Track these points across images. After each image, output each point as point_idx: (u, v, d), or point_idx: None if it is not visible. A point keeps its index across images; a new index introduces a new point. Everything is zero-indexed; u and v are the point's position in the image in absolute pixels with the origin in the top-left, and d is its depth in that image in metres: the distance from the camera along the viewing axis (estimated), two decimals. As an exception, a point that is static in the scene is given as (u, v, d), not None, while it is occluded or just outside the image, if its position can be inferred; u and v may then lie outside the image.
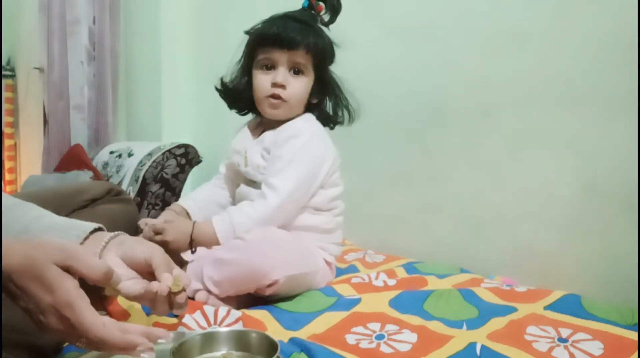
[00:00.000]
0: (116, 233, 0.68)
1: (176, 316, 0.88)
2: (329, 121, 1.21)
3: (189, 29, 2.39)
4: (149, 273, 0.65)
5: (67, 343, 0.74)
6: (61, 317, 0.52)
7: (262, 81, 1.14)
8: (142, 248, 0.65)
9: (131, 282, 0.64)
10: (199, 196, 1.28)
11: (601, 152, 1.18)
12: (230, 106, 1.26)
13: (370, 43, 1.63)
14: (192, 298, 1.00)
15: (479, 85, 1.38)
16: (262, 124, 1.23)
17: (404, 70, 1.55)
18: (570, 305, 0.94)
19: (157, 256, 0.64)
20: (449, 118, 1.45)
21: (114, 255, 0.65)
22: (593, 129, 1.19)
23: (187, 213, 1.23)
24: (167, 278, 0.63)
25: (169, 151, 2.03)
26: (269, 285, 0.97)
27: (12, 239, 0.55)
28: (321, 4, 1.16)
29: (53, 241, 0.57)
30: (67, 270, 0.54)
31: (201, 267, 1.02)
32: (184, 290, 0.63)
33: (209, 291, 1.01)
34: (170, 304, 0.63)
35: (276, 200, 1.07)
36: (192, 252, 1.09)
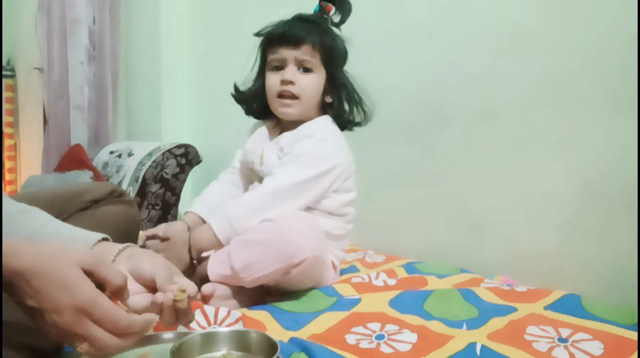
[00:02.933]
0: (125, 244, 0.69)
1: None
2: (345, 122, 1.20)
3: (188, 29, 2.39)
4: (154, 288, 0.65)
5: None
6: (78, 317, 0.53)
7: (272, 80, 1.15)
8: (149, 264, 0.66)
9: (139, 297, 0.64)
10: (210, 199, 1.25)
11: (601, 152, 1.18)
12: (247, 112, 1.26)
13: (370, 43, 1.63)
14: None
15: (479, 85, 1.39)
16: (280, 126, 1.23)
17: (403, 70, 1.55)
18: (570, 305, 0.94)
19: (160, 273, 0.65)
20: (449, 118, 1.45)
21: (123, 267, 0.65)
22: (593, 129, 1.19)
23: (203, 221, 1.20)
24: (173, 289, 0.63)
25: (169, 151, 2.03)
26: (296, 265, 0.96)
27: (23, 241, 0.56)
28: (330, 4, 1.16)
29: (78, 246, 0.61)
30: (89, 274, 0.56)
31: (227, 252, 1.01)
32: (188, 297, 0.63)
33: (229, 282, 1.00)
34: (176, 315, 0.64)
35: (272, 186, 1.07)
36: (195, 263, 1.08)
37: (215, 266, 1.02)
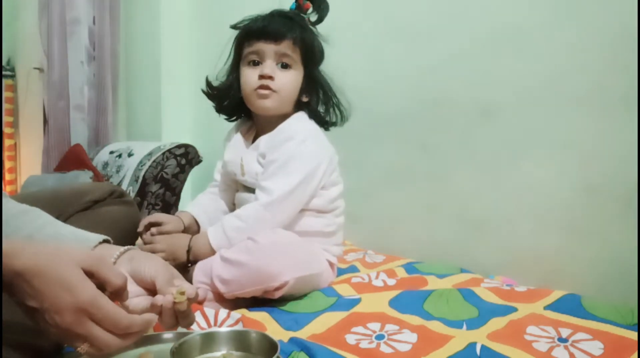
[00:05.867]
0: (126, 247, 0.69)
1: None
2: (322, 121, 1.19)
3: (188, 29, 2.39)
4: (154, 291, 0.65)
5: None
6: (79, 317, 0.53)
7: (249, 75, 1.12)
8: (149, 267, 0.66)
9: (139, 299, 0.64)
10: (206, 205, 1.26)
11: (601, 152, 1.18)
12: (218, 110, 1.23)
13: (370, 43, 1.63)
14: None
15: (479, 84, 1.38)
16: (255, 127, 1.21)
17: (403, 69, 1.55)
18: (570, 305, 0.94)
19: (161, 276, 0.65)
20: (449, 118, 1.45)
21: (124, 270, 0.65)
22: (593, 129, 1.19)
23: (197, 222, 1.22)
24: (172, 292, 0.63)
25: (169, 151, 2.03)
26: (277, 288, 0.96)
27: (23, 241, 0.56)
28: (308, 2, 1.15)
29: (79, 247, 0.62)
30: (90, 275, 0.56)
31: (211, 264, 1.02)
32: (187, 299, 0.63)
33: (214, 291, 1.01)
34: (176, 317, 0.64)
35: (268, 201, 1.06)
36: (189, 265, 1.09)
37: (199, 275, 1.03)
